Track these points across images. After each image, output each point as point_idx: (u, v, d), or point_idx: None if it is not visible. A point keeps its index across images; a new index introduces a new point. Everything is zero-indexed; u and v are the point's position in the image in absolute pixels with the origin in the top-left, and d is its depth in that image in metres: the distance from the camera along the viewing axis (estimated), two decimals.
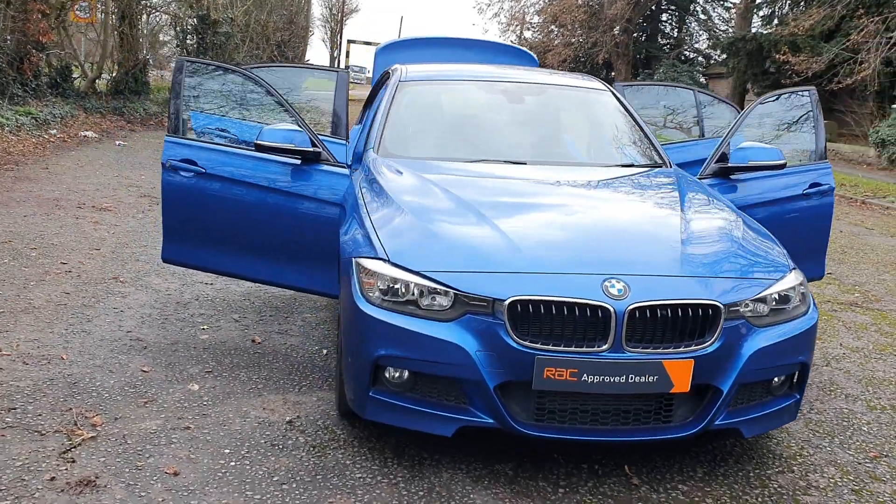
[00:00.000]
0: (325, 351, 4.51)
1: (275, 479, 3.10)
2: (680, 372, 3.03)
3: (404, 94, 4.74)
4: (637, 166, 4.52)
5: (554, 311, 2.99)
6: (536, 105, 4.92)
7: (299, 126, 4.37)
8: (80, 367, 4.05)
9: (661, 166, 4.51)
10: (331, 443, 3.42)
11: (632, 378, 3.00)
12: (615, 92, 5.09)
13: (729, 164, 4.54)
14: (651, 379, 3.01)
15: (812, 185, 4.92)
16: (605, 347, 2.98)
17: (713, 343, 3.06)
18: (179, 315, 4.97)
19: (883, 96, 21.96)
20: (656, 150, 4.66)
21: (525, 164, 4.36)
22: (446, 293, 3.06)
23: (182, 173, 4.47)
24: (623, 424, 3.13)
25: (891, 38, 18.97)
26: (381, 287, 3.17)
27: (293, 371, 4.20)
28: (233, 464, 3.20)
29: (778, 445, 3.65)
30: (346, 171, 4.35)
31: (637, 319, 3.00)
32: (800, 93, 5.21)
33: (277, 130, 4.28)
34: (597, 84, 5.23)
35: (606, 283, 3.04)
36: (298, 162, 4.34)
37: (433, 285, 3.09)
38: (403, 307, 3.13)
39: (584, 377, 2.98)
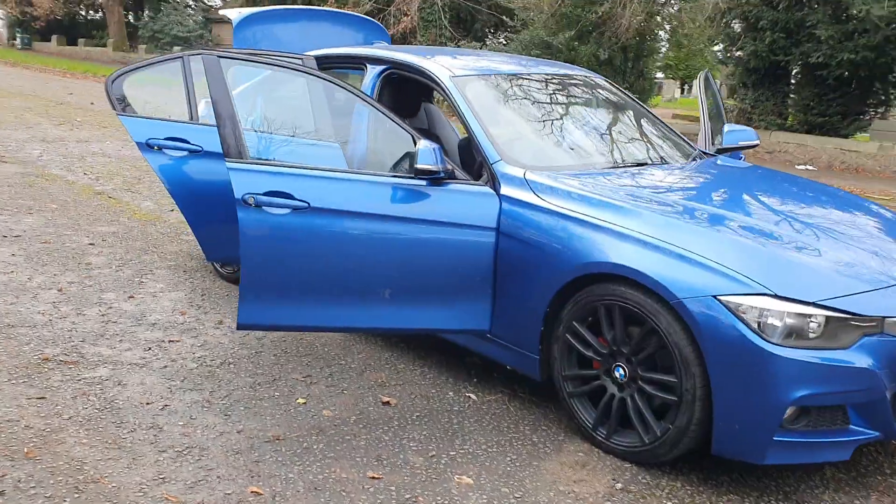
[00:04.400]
0: (471, 397, 3.81)
1: None
2: None
3: (471, 93, 4.09)
4: (701, 157, 4.59)
5: None
6: (587, 100, 4.72)
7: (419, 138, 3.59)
8: None
9: (696, 155, 4.67)
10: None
11: None
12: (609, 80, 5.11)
13: (724, 146, 4.95)
14: None
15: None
16: None
17: None
18: (218, 400, 3.66)
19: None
20: (681, 137, 4.85)
21: (647, 164, 4.23)
22: (821, 318, 3.00)
23: (270, 210, 3.36)
24: None
25: None
26: (769, 323, 2.97)
27: (509, 428, 3.49)
28: None
29: None
30: (488, 188, 3.69)
31: None
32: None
33: (428, 150, 3.51)
34: (590, 72, 5.16)
35: None
36: (425, 183, 3.58)
37: (825, 313, 2.99)
38: (792, 341, 2.99)
39: None
